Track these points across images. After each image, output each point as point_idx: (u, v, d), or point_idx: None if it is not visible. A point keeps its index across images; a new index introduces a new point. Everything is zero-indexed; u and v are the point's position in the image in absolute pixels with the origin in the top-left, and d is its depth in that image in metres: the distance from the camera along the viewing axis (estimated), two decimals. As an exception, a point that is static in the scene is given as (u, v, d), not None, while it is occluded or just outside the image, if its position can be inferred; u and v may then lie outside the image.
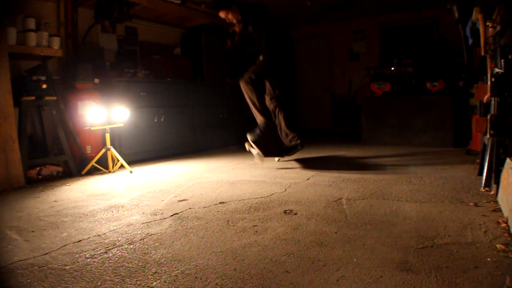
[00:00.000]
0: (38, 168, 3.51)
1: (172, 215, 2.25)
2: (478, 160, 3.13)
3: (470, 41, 3.17)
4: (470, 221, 1.93)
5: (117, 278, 1.44)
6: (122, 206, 2.50)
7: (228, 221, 2.11)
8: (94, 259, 1.63)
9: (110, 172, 3.80)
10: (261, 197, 2.59)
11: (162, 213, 2.30)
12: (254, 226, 2.00)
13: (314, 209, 2.26)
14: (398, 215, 2.09)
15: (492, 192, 2.38)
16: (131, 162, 4.08)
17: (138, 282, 1.41)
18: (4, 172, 3.13)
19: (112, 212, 2.38)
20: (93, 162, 3.73)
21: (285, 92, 4.02)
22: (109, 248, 1.76)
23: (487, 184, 2.49)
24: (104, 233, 1.97)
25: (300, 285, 1.35)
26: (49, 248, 1.77)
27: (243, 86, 3.80)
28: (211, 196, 2.70)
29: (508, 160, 2.14)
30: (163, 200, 2.62)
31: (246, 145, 3.76)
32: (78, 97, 3.90)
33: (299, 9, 6.30)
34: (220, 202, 2.51)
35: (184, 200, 2.61)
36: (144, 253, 1.69)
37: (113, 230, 2.02)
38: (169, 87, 4.87)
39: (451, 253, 1.55)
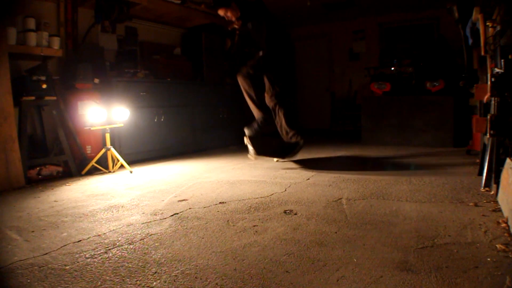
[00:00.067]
0: (38, 168, 3.51)
1: (172, 215, 2.25)
2: (478, 160, 3.13)
3: (470, 41, 3.17)
4: (470, 221, 1.93)
5: (117, 278, 1.44)
6: (122, 206, 2.50)
7: (228, 221, 2.11)
8: (94, 259, 1.63)
9: (110, 172, 3.80)
10: (261, 197, 2.59)
11: (162, 213, 2.30)
12: (254, 226, 2.00)
13: (314, 209, 2.26)
14: (398, 215, 2.09)
15: (492, 192, 2.38)
16: (131, 162, 4.08)
17: (138, 282, 1.41)
18: (4, 172, 3.13)
19: (112, 212, 2.38)
20: (93, 162, 3.73)
21: (286, 89, 3.95)
22: (109, 248, 1.76)
23: (487, 184, 2.49)
24: (104, 233, 1.97)
25: (300, 285, 1.35)
26: (49, 248, 1.77)
27: (240, 81, 3.77)
28: (211, 196, 2.70)
29: (508, 160, 2.14)
30: (163, 200, 2.62)
31: (245, 139, 3.72)
32: (78, 97, 3.91)
33: (299, 9, 6.30)
34: (220, 202, 2.51)
35: (184, 200, 2.61)
36: (144, 253, 1.69)
37: (113, 230, 2.02)
38: (169, 87, 4.87)
39: (451, 253, 1.55)
